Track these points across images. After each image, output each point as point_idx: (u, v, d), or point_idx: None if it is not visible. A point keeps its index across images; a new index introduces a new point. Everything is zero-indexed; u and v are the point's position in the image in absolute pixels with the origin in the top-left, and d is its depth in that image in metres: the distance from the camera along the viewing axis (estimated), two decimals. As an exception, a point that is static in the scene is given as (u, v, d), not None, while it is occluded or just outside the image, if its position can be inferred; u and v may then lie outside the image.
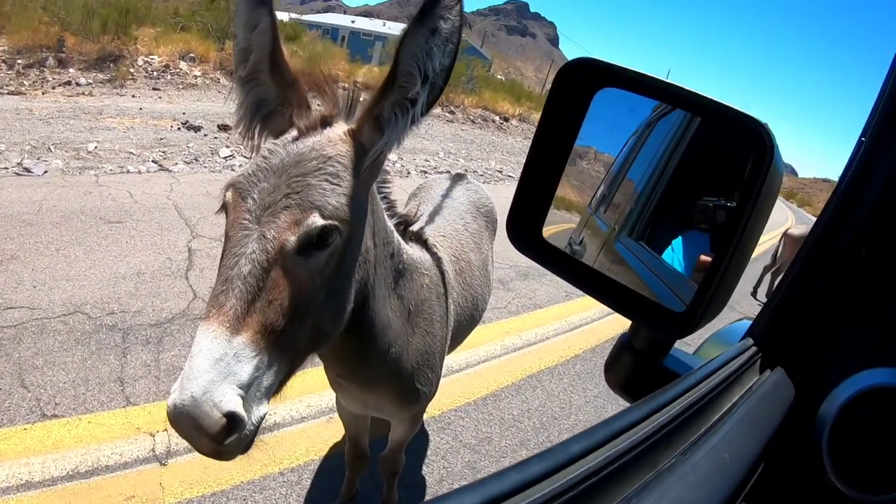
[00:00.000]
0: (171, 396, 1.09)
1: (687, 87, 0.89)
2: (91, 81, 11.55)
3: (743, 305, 8.23)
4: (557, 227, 1.17)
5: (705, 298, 0.86)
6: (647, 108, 1.09)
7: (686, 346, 1.17)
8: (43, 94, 10.29)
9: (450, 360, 4.23)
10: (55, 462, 2.76)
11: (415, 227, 1.98)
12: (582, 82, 1.00)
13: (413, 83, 1.28)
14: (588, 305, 6.24)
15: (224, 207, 1.27)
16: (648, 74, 0.94)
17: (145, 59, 12.93)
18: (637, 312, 0.98)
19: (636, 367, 1.08)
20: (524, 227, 1.11)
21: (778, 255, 9.00)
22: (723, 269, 0.83)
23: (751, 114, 0.80)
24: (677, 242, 1.06)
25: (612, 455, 0.54)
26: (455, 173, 3.33)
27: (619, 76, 0.97)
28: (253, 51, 1.33)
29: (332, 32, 44.99)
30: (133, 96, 11.39)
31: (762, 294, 9.09)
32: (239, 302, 1.13)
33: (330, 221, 1.22)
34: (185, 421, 1.06)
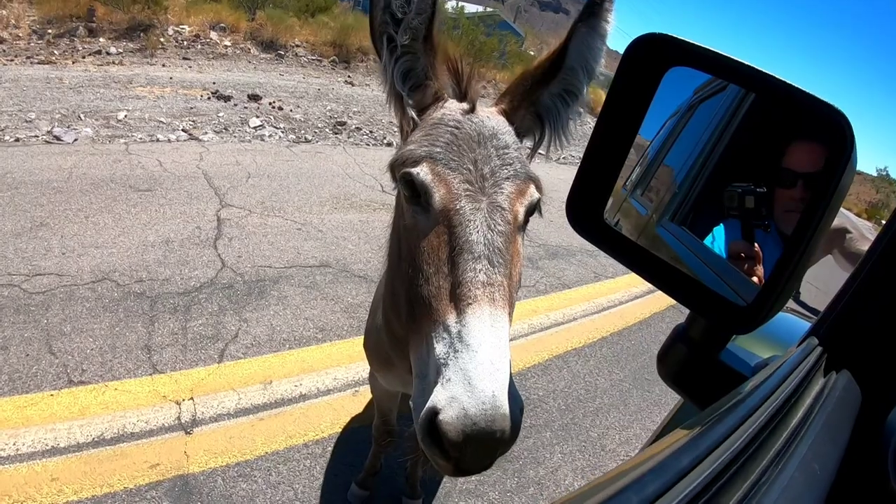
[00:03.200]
0: (448, 402, 0.90)
1: (772, 73, 0.83)
2: (121, 51, 11.61)
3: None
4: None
5: (775, 293, 0.81)
6: (689, 90, 1.05)
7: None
8: (73, 63, 10.35)
9: (476, 338, 4.19)
10: (81, 428, 2.77)
11: None
12: (652, 59, 0.95)
13: (576, 77, 1.34)
14: (616, 288, 6.14)
15: (410, 182, 1.18)
16: (731, 56, 0.89)
17: (175, 28, 12.96)
18: (700, 304, 0.94)
19: (691, 359, 1.05)
20: (585, 210, 1.09)
21: None
22: (795, 262, 0.79)
23: (835, 105, 0.75)
24: (718, 230, 1.02)
25: (719, 466, 0.52)
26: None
27: (696, 55, 0.92)
28: (407, 16, 1.26)
29: (362, 3, 44.75)
30: (163, 66, 11.41)
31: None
32: (505, 279, 1.07)
33: (541, 194, 1.25)
34: (489, 429, 0.88)
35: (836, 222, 8.76)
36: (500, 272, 1.06)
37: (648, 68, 0.96)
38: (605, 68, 1.33)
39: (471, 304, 1.00)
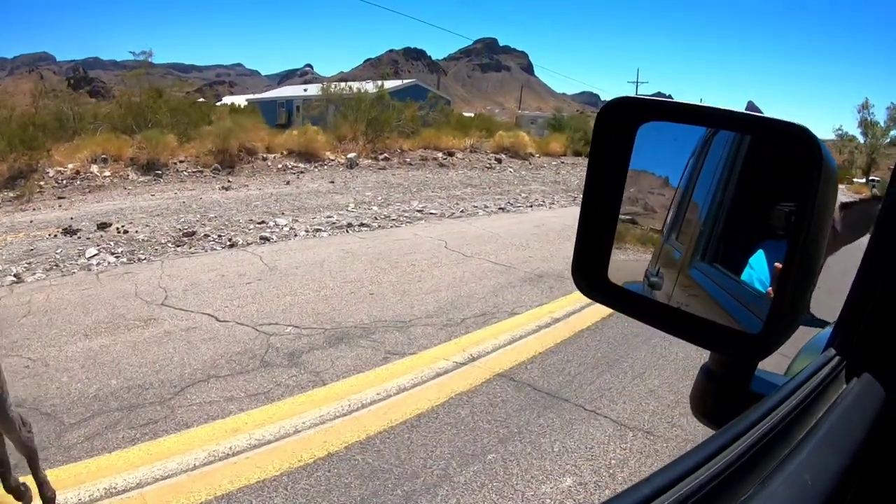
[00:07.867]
0: None
1: (722, 107, 0.91)
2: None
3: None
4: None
5: (779, 314, 0.83)
6: (702, 128, 1.07)
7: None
8: (-53, 221, 10.30)
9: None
10: None
11: None
12: (622, 120, 0.99)
13: None
14: (412, 367, 4.96)
15: None
16: (684, 102, 0.94)
17: (58, 169, 12.90)
18: (712, 340, 0.95)
19: (718, 393, 1.03)
20: (590, 273, 1.07)
21: None
22: (792, 280, 0.80)
23: (788, 119, 0.80)
24: (756, 258, 0.98)
25: (686, 493, 0.52)
26: None
27: (657, 108, 1.00)
28: None
29: (286, 105, 47.57)
30: (34, 209, 11.25)
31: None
32: None
33: None
34: None
35: (843, 198, 8.67)
36: None
37: (620, 128, 0.98)
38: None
39: None
